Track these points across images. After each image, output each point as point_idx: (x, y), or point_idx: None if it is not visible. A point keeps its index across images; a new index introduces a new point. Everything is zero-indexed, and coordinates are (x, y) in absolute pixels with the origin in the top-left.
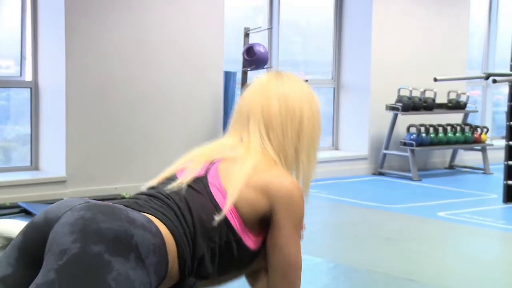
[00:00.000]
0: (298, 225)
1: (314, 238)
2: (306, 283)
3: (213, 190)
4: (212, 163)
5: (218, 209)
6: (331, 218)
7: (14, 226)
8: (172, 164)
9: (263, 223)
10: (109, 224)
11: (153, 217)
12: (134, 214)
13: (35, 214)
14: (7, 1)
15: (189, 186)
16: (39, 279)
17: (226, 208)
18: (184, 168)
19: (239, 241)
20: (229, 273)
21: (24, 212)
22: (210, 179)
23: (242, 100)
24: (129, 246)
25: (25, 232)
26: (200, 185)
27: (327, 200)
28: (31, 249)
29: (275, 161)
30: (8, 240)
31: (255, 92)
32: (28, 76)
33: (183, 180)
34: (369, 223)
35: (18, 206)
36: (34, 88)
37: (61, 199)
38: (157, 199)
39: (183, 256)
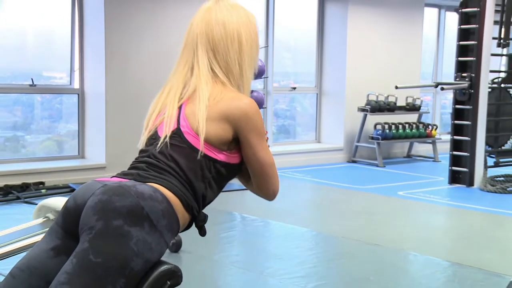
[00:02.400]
0: (261, 134)
1: (300, 212)
2: (294, 247)
3: (188, 138)
4: (179, 109)
5: (198, 152)
6: (314, 196)
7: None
8: (149, 111)
9: (236, 141)
10: (122, 202)
11: (156, 184)
12: (141, 187)
13: None
14: (59, 29)
15: (171, 144)
16: (77, 249)
17: (201, 148)
18: (161, 123)
19: (225, 165)
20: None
21: (73, 191)
22: (182, 128)
23: (189, 29)
24: (141, 217)
25: (63, 214)
26: (178, 138)
27: (311, 182)
28: (69, 228)
29: (224, 83)
30: None
31: (199, 21)
32: (76, 85)
33: (164, 138)
34: (344, 200)
35: (69, 187)
36: (80, 94)
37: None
38: (152, 166)
39: (188, 205)
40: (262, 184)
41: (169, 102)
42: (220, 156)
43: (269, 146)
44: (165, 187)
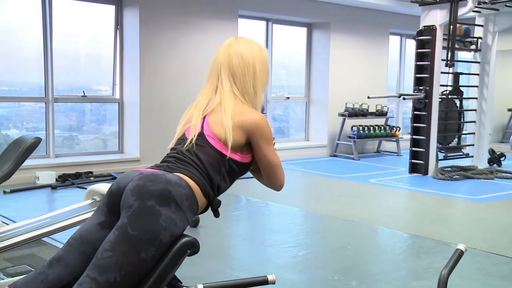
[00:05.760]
0: (269, 140)
1: (293, 196)
2: (288, 223)
3: (210, 140)
4: (203, 118)
5: (217, 152)
6: (304, 183)
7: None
8: (180, 120)
9: (248, 145)
10: (155, 187)
11: (181, 174)
12: (169, 176)
13: None
14: (104, 52)
15: (196, 143)
16: (118, 223)
17: (229, 152)
18: (188, 128)
19: (238, 163)
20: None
21: (114, 179)
22: (205, 132)
23: (214, 59)
24: (169, 199)
25: (108, 195)
26: (201, 139)
27: (301, 172)
28: (113, 207)
29: (242, 101)
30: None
31: (221, 53)
32: (117, 95)
33: (191, 139)
34: (327, 186)
35: (111, 175)
36: (120, 103)
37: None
38: (179, 160)
39: (206, 192)
40: (271, 179)
41: (195, 113)
42: (235, 156)
43: (275, 149)
44: (188, 176)
